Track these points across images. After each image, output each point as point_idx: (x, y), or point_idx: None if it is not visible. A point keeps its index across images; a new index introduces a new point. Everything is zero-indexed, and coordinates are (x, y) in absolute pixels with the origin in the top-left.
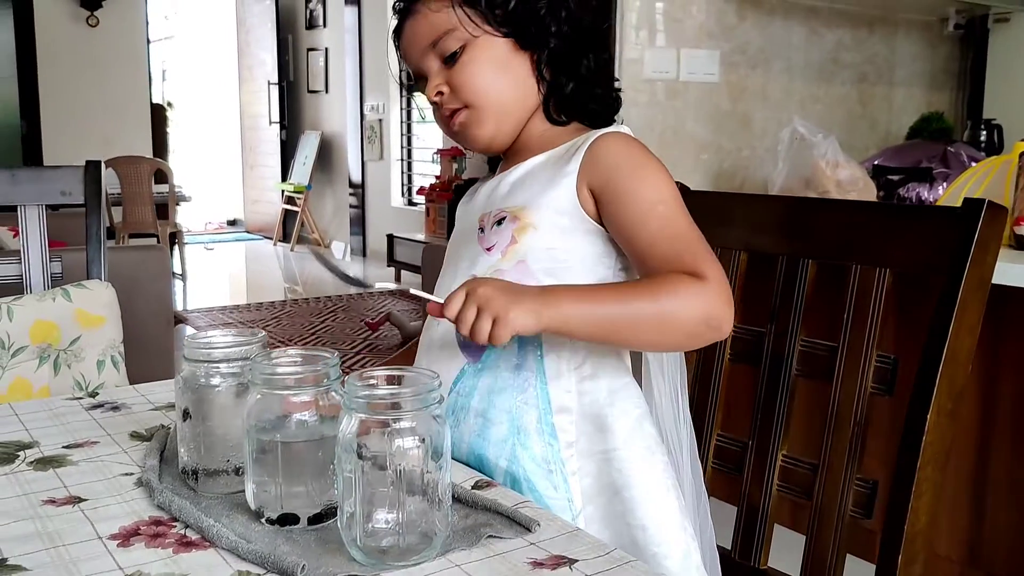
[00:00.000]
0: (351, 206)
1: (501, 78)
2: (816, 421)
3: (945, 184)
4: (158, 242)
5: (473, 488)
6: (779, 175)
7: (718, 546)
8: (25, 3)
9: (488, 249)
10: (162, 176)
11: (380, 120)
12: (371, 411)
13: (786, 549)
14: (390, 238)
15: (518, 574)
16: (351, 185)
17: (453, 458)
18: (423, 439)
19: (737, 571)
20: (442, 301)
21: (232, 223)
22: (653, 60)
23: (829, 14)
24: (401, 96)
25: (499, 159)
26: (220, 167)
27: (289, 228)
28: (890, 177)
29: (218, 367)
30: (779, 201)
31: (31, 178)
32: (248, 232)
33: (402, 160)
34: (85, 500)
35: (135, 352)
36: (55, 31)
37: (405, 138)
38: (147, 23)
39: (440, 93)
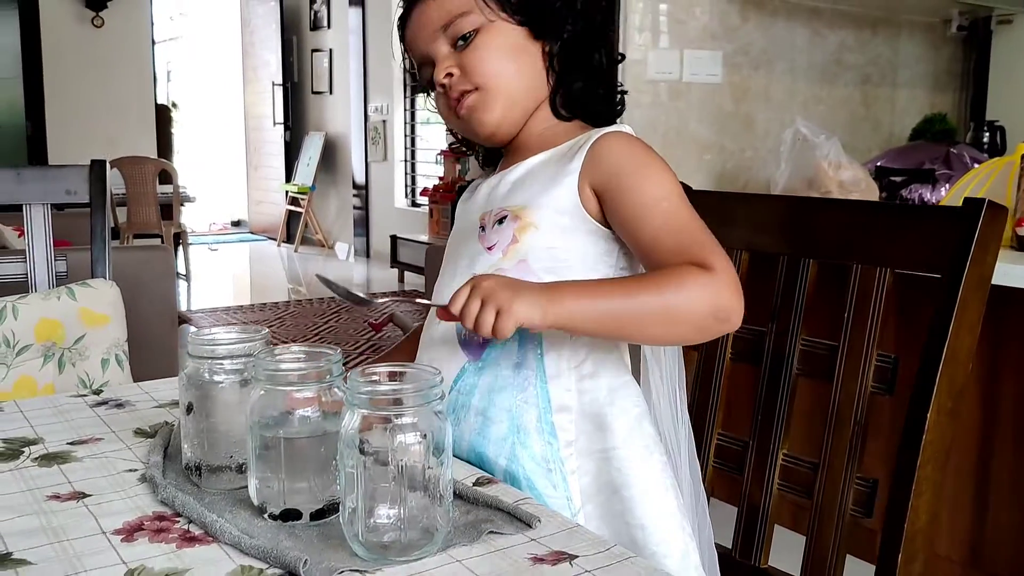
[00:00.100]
0: (355, 207)
1: (512, 64)
2: (817, 420)
3: (948, 186)
4: (162, 242)
5: (474, 485)
6: (782, 176)
7: (719, 545)
8: (31, 4)
9: (489, 248)
10: (166, 177)
11: (384, 121)
12: (373, 407)
13: (786, 549)
14: (393, 239)
15: (519, 570)
16: (355, 186)
17: (454, 456)
18: (425, 435)
19: (737, 570)
20: (445, 304)
21: (236, 224)
22: (656, 61)
23: (832, 15)
24: (405, 97)
25: (499, 157)
26: (224, 168)
27: (293, 229)
28: (893, 178)
29: (222, 363)
30: (780, 201)
31: (36, 177)
32: (252, 233)
33: (406, 161)
34: (89, 496)
35: (139, 352)
36: (60, 32)
37: (409, 139)
38: (152, 24)
39: (449, 75)
